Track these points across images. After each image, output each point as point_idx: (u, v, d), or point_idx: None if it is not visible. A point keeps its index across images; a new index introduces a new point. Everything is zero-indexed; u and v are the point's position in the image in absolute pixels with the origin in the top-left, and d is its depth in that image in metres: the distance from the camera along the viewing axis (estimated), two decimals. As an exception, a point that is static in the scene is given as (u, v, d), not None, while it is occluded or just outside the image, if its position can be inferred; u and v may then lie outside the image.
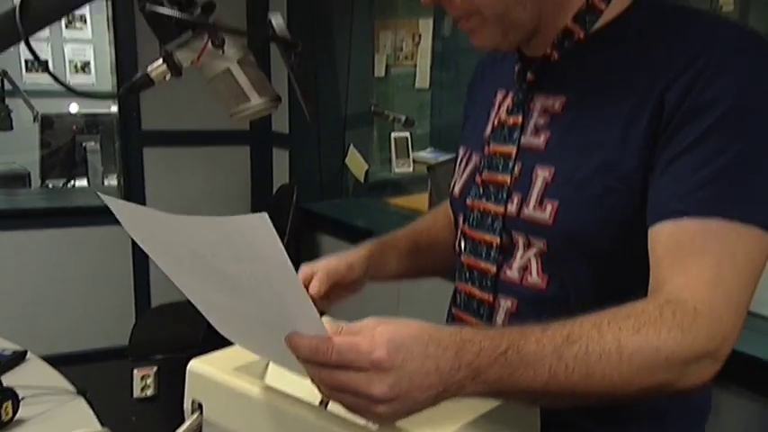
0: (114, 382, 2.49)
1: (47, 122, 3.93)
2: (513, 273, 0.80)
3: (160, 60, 0.81)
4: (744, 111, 0.66)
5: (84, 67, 5.62)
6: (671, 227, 0.67)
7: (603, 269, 0.75)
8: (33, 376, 1.30)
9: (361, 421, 0.60)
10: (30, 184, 3.95)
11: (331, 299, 0.91)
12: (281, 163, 2.97)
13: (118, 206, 0.61)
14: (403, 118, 2.93)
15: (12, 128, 3.50)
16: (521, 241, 0.79)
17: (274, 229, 0.52)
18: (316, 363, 0.57)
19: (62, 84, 0.85)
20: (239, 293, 0.61)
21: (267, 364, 0.77)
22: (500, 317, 0.80)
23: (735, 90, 0.66)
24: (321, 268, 0.90)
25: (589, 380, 0.59)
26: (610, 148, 0.72)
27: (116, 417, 1.12)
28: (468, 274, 0.85)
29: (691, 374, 0.62)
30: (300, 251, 2.65)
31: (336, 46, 2.79)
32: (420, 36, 3.27)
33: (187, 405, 0.76)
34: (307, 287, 0.88)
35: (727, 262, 0.64)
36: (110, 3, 2.79)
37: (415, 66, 3.28)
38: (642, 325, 0.61)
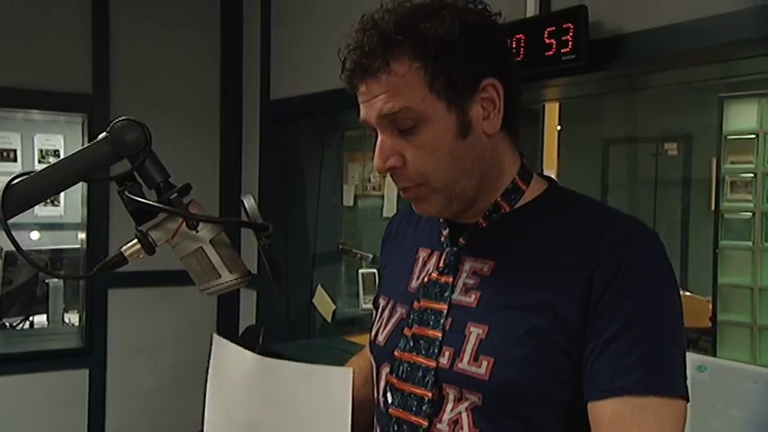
0: None
1: (10, 259, 3.87)
2: (443, 426, 0.82)
3: (134, 240, 0.85)
4: (660, 298, 0.79)
5: (54, 199, 5.64)
6: (612, 403, 0.76)
7: (535, 423, 0.80)
8: None
9: None
10: (-14, 328, 3.80)
11: None
12: (248, 303, 2.96)
13: (219, 343, 0.71)
14: (370, 256, 2.99)
15: (-27, 265, 3.44)
16: (451, 395, 0.82)
17: (351, 387, 0.58)
18: None
19: (32, 263, 0.87)
20: None
21: None
22: None
23: (651, 281, 0.79)
24: None
25: None
26: (541, 313, 0.80)
27: None
28: (396, 427, 0.86)
29: None
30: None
31: (307, 182, 2.89)
32: (387, 168, 3.40)
33: None
34: None
35: None
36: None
37: (383, 196, 3.40)
38: None
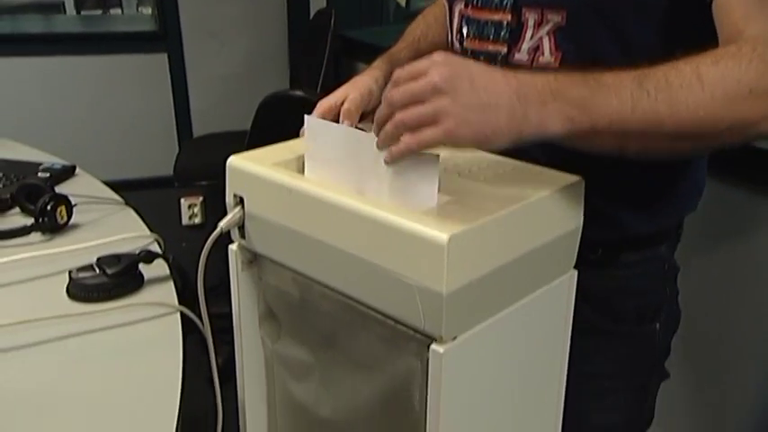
0: (162, 210, 2.59)
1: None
2: (522, 55, 0.76)
3: None
4: None
5: None
6: None
7: (626, 37, 0.72)
8: (83, 188, 1.35)
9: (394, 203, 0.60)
10: (65, 12, 3.88)
11: None
12: (318, -14, 2.82)
13: (311, 121, 0.73)
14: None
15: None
16: (531, 20, 0.75)
17: (437, 173, 0.60)
18: (392, 83, 0.58)
19: None
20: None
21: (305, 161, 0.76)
22: None
23: None
24: (348, 102, 0.85)
25: (674, 110, 0.57)
26: None
27: (166, 241, 1.16)
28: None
29: None
30: (339, 79, 2.59)
31: None
32: None
33: (229, 199, 0.76)
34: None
35: None
36: None
37: None
38: (721, 58, 0.58)
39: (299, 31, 2.92)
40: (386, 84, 0.89)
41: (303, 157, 0.76)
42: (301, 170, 0.76)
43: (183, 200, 3.03)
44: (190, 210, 3.03)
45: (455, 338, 0.60)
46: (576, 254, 0.70)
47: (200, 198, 3.01)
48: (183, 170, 2.48)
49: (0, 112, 2.68)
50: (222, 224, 0.75)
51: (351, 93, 0.86)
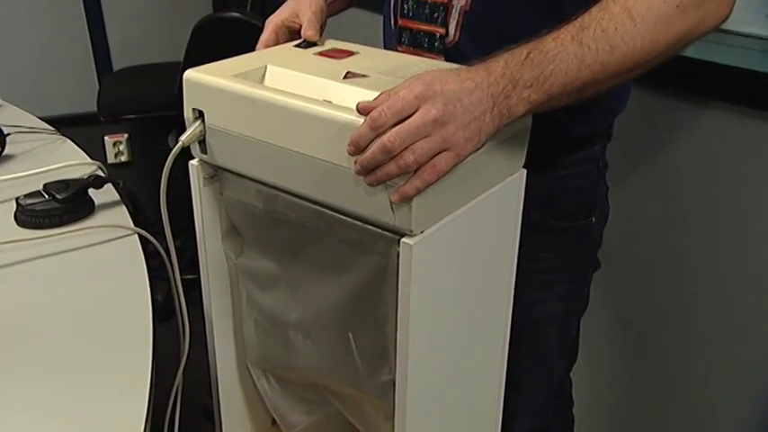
0: (86, 149, 2.48)
1: None
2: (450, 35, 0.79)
3: None
4: None
5: None
6: None
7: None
8: (10, 119, 1.28)
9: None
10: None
11: None
12: None
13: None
14: None
15: None
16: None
17: None
18: (374, 129, 0.59)
19: None
20: None
21: (265, 71, 0.77)
22: (454, 17, 0.80)
23: None
24: (309, 16, 0.85)
25: (616, 53, 0.62)
26: None
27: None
28: None
29: (708, 15, 0.64)
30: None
31: None
32: None
33: (187, 114, 0.76)
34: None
35: None
36: None
37: None
38: None
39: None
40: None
41: (261, 68, 0.77)
42: (261, 82, 0.76)
43: (106, 138, 2.90)
44: (115, 147, 2.91)
45: (422, 232, 0.64)
46: (525, 153, 0.75)
47: (126, 135, 2.90)
48: (107, 105, 2.36)
49: None
50: (183, 138, 0.75)
51: (304, 13, 0.86)
